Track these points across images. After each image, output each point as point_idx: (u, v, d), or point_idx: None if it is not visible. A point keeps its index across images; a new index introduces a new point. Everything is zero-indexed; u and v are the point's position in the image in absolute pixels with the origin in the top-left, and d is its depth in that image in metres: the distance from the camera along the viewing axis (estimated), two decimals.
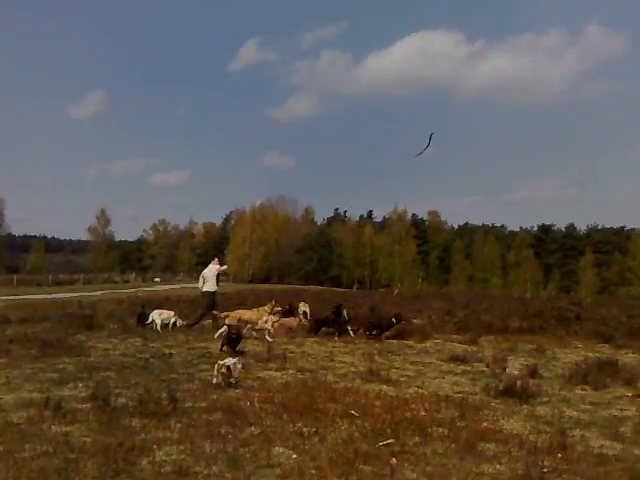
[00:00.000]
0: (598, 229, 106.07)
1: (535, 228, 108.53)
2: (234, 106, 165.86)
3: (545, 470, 5.76)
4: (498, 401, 8.83)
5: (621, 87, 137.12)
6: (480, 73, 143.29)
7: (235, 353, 11.47)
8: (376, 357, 12.40)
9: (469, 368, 11.74)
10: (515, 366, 11.97)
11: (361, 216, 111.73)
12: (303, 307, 17.52)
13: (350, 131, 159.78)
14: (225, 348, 12.10)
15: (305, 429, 6.83)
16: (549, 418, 7.93)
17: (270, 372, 10.36)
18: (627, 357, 13.65)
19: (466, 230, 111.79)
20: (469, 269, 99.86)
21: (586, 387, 10.06)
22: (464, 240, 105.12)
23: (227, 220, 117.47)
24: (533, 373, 11.00)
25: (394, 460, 5.94)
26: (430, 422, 7.25)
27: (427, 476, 5.53)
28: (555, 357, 13.61)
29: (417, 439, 6.64)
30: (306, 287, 59.84)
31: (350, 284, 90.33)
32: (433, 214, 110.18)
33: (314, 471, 5.55)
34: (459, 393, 9.30)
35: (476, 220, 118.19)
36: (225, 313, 15.93)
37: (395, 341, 15.12)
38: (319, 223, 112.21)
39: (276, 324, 16.66)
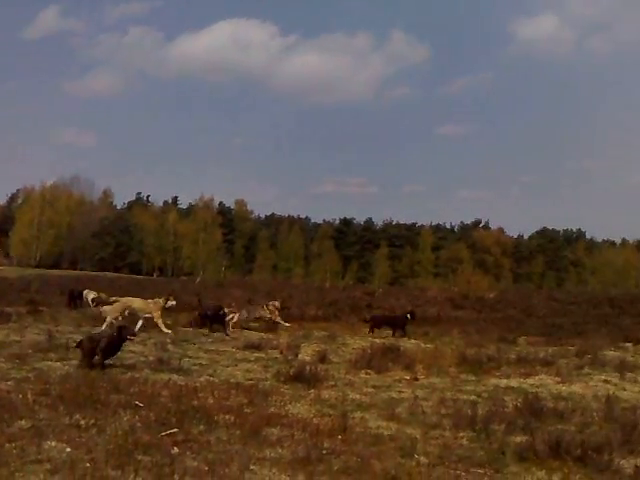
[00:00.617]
0: (393, 224, 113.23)
1: (337, 221, 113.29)
2: (28, 76, 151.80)
3: (324, 452, 5.94)
4: (287, 386, 9.01)
5: (420, 94, 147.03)
6: (292, 67, 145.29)
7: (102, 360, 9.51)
8: (169, 346, 12.11)
9: (263, 355, 11.88)
10: (307, 352, 12.31)
11: (165, 202, 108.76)
12: (90, 294, 16.60)
13: (157, 113, 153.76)
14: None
15: (83, 421, 6.45)
16: (334, 401, 8.23)
17: (49, 362, 9.67)
18: (409, 343, 14.62)
19: (272, 220, 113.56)
20: (273, 258, 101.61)
21: (370, 371, 10.60)
22: (270, 230, 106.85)
23: (13, 199, 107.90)
24: (323, 359, 11.39)
25: (175, 449, 5.80)
26: (217, 410, 7.19)
27: (208, 463, 5.46)
28: (345, 343, 14.22)
29: (202, 427, 6.55)
30: (101, 274, 56.82)
31: (150, 271, 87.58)
32: (240, 203, 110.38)
33: (88, 464, 5.25)
34: (250, 380, 9.36)
35: (282, 211, 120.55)
36: (114, 298, 15.11)
37: (191, 329, 14.88)
38: (119, 207, 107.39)
39: None
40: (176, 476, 5.14)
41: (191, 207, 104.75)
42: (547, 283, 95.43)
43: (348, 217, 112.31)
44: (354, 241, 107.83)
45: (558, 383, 10.23)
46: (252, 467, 5.48)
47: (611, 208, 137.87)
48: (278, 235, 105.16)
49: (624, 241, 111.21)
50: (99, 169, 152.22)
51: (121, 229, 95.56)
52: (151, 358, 10.41)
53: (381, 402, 8.41)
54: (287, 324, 16.39)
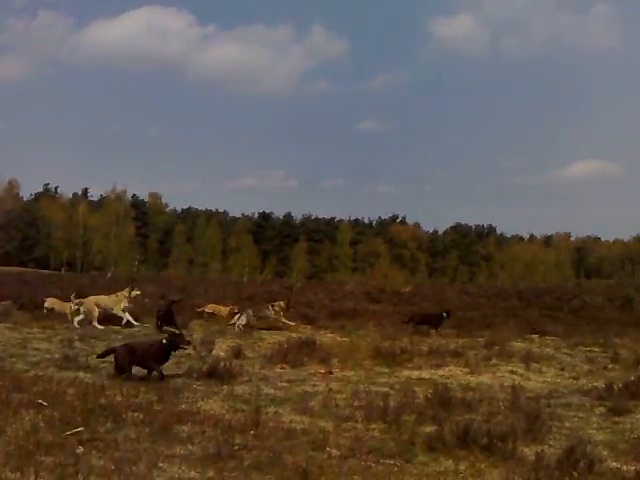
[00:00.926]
0: (312, 219, 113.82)
1: (256, 215, 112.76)
2: None
3: (236, 447, 5.88)
4: (200, 383, 8.87)
5: (340, 89, 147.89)
6: (210, 57, 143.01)
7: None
8: (76, 343, 11.70)
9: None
10: (222, 348, 12.16)
11: (75, 194, 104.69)
12: None
13: (69, 101, 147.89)
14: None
15: None
16: (247, 397, 8.17)
17: None
18: (325, 337, 14.67)
19: (189, 214, 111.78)
20: (190, 253, 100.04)
21: (285, 366, 10.59)
22: (186, 224, 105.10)
23: None
24: (238, 354, 11.28)
25: (80, 448, 5.63)
26: (126, 407, 7.00)
27: (115, 462, 5.30)
28: (261, 338, 14.12)
29: (109, 425, 6.37)
30: (6, 269, 54.10)
31: (58, 266, 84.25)
32: (154, 196, 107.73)
33: None
34: None
35: (199, 204, 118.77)
36: (77, 300, 14.87)
37: (101, 327, 14.41)
38: (25, 198, 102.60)
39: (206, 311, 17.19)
40: (80, 476, 4.96)
41: (102, 199, 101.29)
42: (460, 277, 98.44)
43: (267, 211, 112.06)
44: (273, 235, 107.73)
45: (467, 374, 10.53)
46: (161, 464, 5.37)
47: (520, 205, 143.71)
48: (195, 229, 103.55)
49: (532, 236, 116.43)
50: (4, 158, 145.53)
51: (27, 222, 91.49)
52: (57, 355, 10.03)
53: (295, 396, 8.41)
54: (292, 323, 16.15)
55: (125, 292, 14.88)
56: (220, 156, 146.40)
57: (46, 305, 15.56)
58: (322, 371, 10.37)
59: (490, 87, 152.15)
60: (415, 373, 10.51)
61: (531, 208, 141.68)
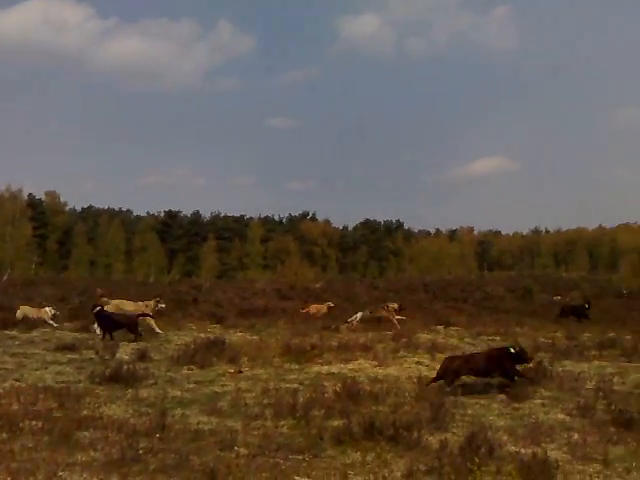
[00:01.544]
0: (221, 217, 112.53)
1: (162, 214, 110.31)
2: None
3: (141, 452, 5.72)
4: (103, 387, 8.60)
5: (248, 85, 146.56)
6: (112, 51, 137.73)
7: None
8: None
9: (77, 356, 11.25)
10: (126, 351, 11.81)
11: None
12: None
13: None
14: None
15: None
16: (152, 400, 7.98)
17: None
18: (235, 336, 14.54)
19: (90, 213, 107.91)
20: (91, 254, 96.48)
21: (193, 367, 10.40)
22: (87, 223, 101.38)
23: None
24: (143, 357, 10.99)
25: None
26: (23, 416, 6.68)
27: (11, 473, 5.09)
28: (168, 339, 13.82)
29: (5, 435, 6.10)
30: None
31: None
32: (51, 195, 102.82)
33: None
34: (62, 383, 8.82)
35: (101, 203, 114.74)
36: (105, 299, 14.85)
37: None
38: None
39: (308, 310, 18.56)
40: None
41: None
42: (370, 272, 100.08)
43: (174, 209, 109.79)
44: (181, 234, 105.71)
45: (375, 367, 10.72)
46: (61, 473, 5.19)
47: (425, 200, 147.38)
48: (97, 229, 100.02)
49: (437, 231, 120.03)
50: None
51: None
52: None
53: (203, 397, 8.30)
54: (398, 326, 16.41)
55: (152, 303, 15.12)
56: (122, 153, 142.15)
57: (18, 315, 15.20)
58: (231, 371, 10.26)
59: (397, 85, 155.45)
60: (325, 368, 10.60)
61: (436, 203, 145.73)
